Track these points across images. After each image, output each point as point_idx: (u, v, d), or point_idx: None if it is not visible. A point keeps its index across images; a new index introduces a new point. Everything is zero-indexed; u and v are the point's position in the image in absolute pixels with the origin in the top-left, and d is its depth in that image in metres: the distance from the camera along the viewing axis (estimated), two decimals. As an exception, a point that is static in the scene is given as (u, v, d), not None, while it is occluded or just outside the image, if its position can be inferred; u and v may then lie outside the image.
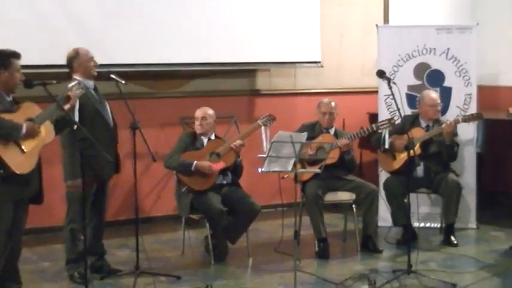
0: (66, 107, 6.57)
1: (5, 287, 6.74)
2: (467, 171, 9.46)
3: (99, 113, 7.28)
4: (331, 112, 8.59)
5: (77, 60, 7.35)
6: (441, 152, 8.72)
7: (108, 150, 6.95)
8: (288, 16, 10.15)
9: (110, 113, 7.46)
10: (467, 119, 8.69)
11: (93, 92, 7.34)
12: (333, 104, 8.63)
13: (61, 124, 6.68)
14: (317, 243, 8.39)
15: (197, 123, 8.29)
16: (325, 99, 8.75)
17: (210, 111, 8.34)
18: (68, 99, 6.65)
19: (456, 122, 8.60)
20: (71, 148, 7.07)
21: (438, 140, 8.67)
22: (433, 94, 8.97)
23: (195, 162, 8.02)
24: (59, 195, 7.88)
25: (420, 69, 9.58)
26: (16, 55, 6.45)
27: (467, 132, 9.33)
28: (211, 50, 9.71)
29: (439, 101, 8.91)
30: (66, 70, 7.55)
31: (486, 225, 9.60)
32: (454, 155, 8.80)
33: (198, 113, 8.30)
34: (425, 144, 8.68)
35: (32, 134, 6.30)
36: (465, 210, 9.38)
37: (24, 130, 6.23)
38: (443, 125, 8.58)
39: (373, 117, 9.94)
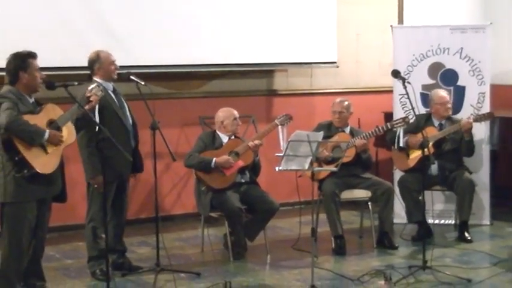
0: (87, 107, 6.59)
1: (29, 283, 6.79)
2: (481, 168, 9.41)
3: (117, 114, 7.28)
4: (341, 111, 8.56)
5: (97, 63, 7.36)
6: (455, 149, 8.71)
7: (125, 150, 6.95)
8: (304, 17, 10.12)
9: (129, 115, 7.46)
10: (478, 118, 8.69)
11: (111, 94, 7.35)
12: (345, 103, 8.60)
13: (81, 123, 6.71)
14: (334, 240, 8.37)
15: (234, 122, 8.24)
16: (338, 99, 8.73)
17: None
18: (88, 100, 6.68)
19: (468, 122, 8.58)
20: (88, 148, 7.11)
21: (452, 138, 8.65)
22: (442, 92, 8.94)
23: (214, 159, 8.01)
24: (81, 194, 7.89)
25: (434, 69, 9.53)
26: (32, 55, 6.45)
27: (480, 131, 9.28)
28: (229, 51, 9.71)
29: (448, 99, 8.88)
30: (88, 72, 7.57)
31: (500, 221, 9.55)
32: (472, 150, 8.79)
33: (230, 113, 8.27)
34: (439, 143, 8.64)
35: (54, 141, 6.32)
36: (479, 206, 9.35)
37: (46, 136, 6.24)
38: (462, 122, 8.57)
39: (388, 116, 9.89)
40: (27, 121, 6.18)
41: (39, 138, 6.21)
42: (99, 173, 6.97)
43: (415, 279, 7.26)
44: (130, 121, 7.45)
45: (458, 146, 8.74)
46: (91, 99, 6.70)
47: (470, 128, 8.57)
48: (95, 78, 7.32)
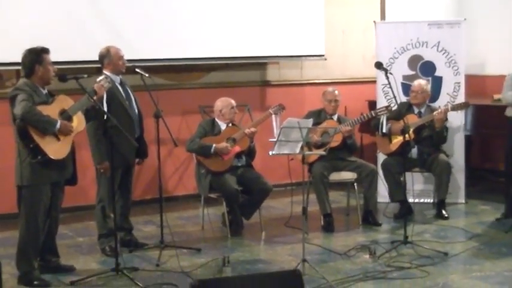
0: (95, 98, 6.56)
1: (45, 259, 6.82)
2: (457, 151, 9.41)
3: (123, 105, 7.24)
4: (336, 99, 8.54)
5: (107, 58, 7.32)
6: (433, 135, 8.68)
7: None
8: (295, 15, 10.13)
9: (135, 105, 7.42)
10: (455, 107, 8.66)
11: (119, 86, 7.31)
12: (336, 92, 8.59)
13: (90, 113, 6.69)
14: (323, 218, 8.37)
15: (232, 110, 8.20)
16: (330, 88, 8.71)
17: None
18: (96, 91, 6.66)
19: (446, 110, 8.57)
20: (96, 136, 7.08)
21: (430, 125, 8.63)
22: (417, 82, 8.92)
23: (214, 145, 7.98)
24: (91, 177, 7.89)
25: (414, 61, 9.52)
26: (45, 50, 6.45)
27: (457, 118, 9.29)
28: (226, 45, 9.71)
29: (421, 88, 8.80)
30: (97, 65, 7.56)
31: (474, 199, 9.55)
32: (443, 139, 8.78)
33: (228, 102, 8.22)
34: (418, 129, 8.62)
35: (65, 131, 6.32)
36: (455, 186, 9.35)
37: (58, 126, 6.24)
38: (434, 113, 8.55)
39: (372, 104, 9.89)
40: (41, 112, 6.18)
41: (51, 127, 6.21)
42: (105, 159, 6.98)
43: (397, 253, 7.26)
44: (136, 111, 7.42)
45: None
46: (98, 90, 6.67)
47: (441, 119, 8.53)
48: (104, 72, 7.28)
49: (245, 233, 8.19)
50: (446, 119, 8.72)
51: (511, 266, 6.88)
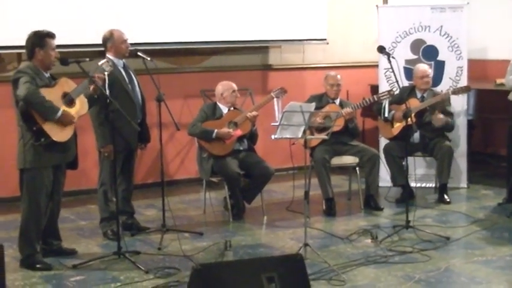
0: (98, 82, 6.54)
1: (47, 242, 6.83)
2: (458, 136, 9.41)
3: (125, 89, 7.23)
4: (339, 84, 8.52)
5: (110, 41, 7.31)
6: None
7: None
8: (297, -1, 10.14)
9: (138, 89, 7.42)
10: (456, 91, 8.66)
11: (121, 70, 7.30)
12: (338, 76, 8.56)
13: (93, 97, 6.66)
14: (325, 202, 8.38)
15: (233, 94, 8.18)
16: (332, 72, 8.68)
17: None
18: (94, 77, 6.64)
19: (447, 95, 8.58)
20: (99, 119, 7.07)
21: (432, 109, 8.62)
22: (421, 67, 8.89)
23: (216, 130, 7.98)
24: (93, 161, 7.91)
25: (416, 45, 9.50)
26: (50, 35, 6.42)
27: (459, 102, 9.28)
28: (228, 29, 9.70)
29: (427, 73, 8.82)
30: (99, 49, 7.55)
31: (476, 184, 9.56)
32: (451, 128, 8.80)
33: (229, 86, 8.20)
34: (420, 113, 8.62)
35: (65, 121, 6.30)
36: (457, 171, 9.36)
37: (59, 115, 6.22)
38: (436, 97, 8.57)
39: (374, 89, 9.89)
40: (44, 97, 6.15)
41: (52, 115, 6.19)
42: (109, 142, 6.97)
43: (398, 237, 7.28)
44: (139, 96, 7.42)
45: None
46: (97, 76, 6.62)
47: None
48: (107, 55, 7.28)
49: (247, 217, 8.20)
50: (450, 104, 8.72)
51: (512, 250, 6.92)
